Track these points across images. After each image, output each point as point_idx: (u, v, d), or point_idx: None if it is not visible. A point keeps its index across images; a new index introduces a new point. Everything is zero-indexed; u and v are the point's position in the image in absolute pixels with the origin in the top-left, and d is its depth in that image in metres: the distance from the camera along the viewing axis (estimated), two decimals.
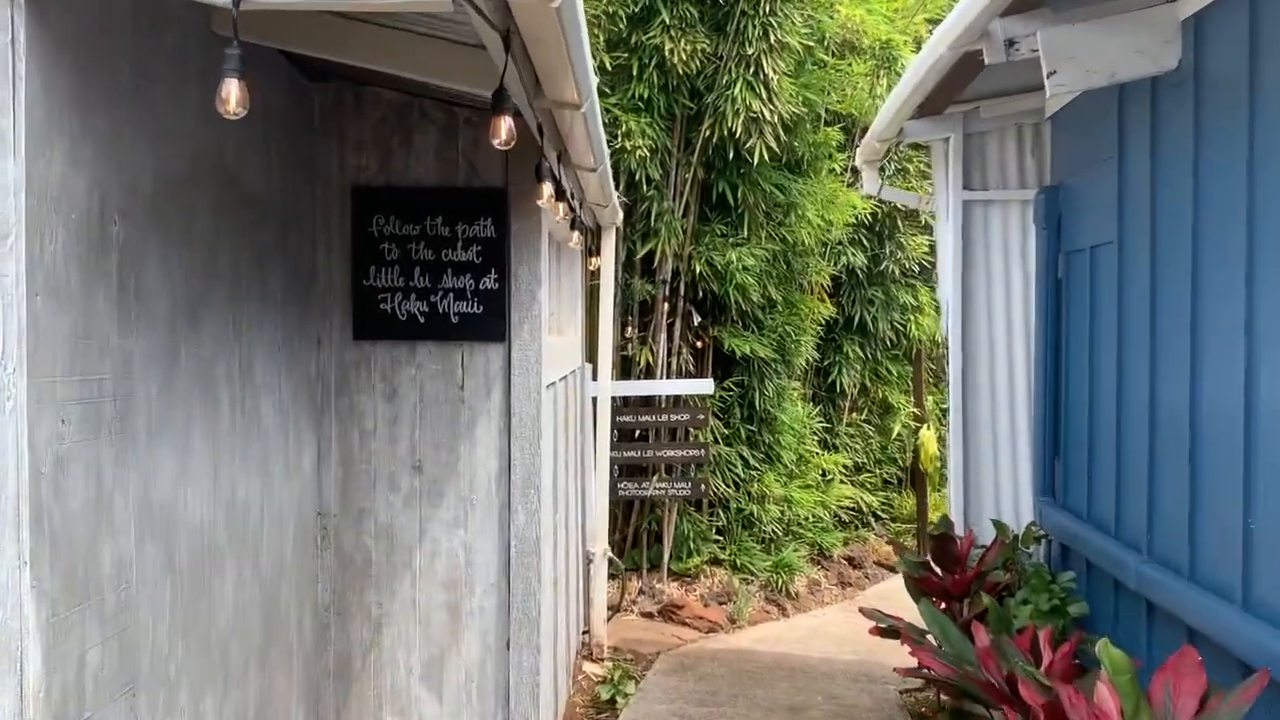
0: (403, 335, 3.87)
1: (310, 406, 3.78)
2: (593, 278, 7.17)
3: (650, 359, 7.56)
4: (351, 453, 3.89)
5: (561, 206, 3.80)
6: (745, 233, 7.61)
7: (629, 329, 7.59)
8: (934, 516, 10.16)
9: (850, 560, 9.13)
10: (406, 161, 3.88)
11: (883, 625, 5.45)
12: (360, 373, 3.89)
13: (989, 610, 4.70)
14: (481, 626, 3.88)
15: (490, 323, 3.85)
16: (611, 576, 7.71)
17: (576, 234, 4.59)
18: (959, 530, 5.71)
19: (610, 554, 6.38)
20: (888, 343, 9.78)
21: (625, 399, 7.72)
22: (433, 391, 3.87)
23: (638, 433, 7.69)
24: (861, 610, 5.59)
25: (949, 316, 5.73)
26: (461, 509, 3.87)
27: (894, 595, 8.73)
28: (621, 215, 6.27)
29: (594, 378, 6.74)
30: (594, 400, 6.59)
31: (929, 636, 4.87)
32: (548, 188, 3.14)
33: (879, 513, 9.88)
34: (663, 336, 7.61)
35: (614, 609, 7.11)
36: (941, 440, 10.36)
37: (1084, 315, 4.69)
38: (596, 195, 4.87)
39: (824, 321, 8.98)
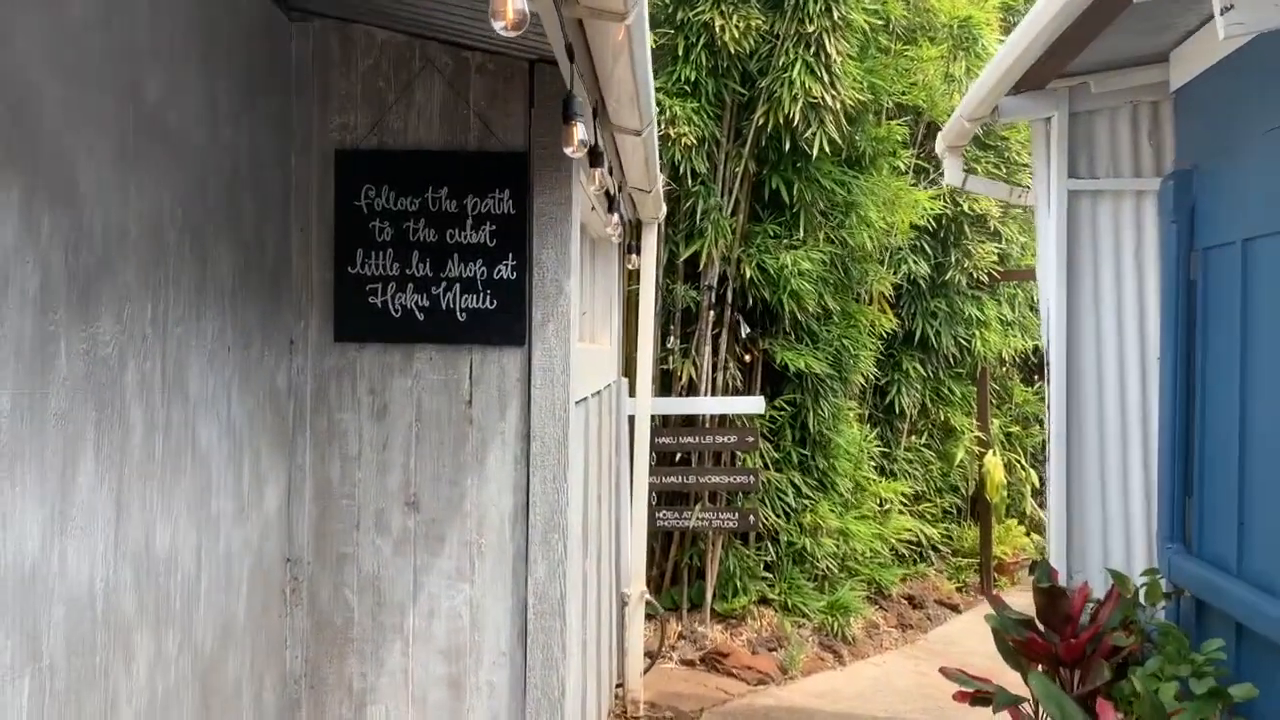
0: (396, 336, 3.04)
1: (277, 427, 2.96)
2: (630, 282, 6.34)
3: (693, 374, 6.71)
4: (330, 485, 3.06)
5: (598, 174, 2.96)
6: (801, 234, 6.74)
7: (670, 340, 6.73)
8: (998, 550, 9.20)
9: (910, 599, 8.18)
10: (405, 119, 3.06)
11: (968, 689, 4.52)
12: (342, 384, 3.06)
13: (1115, 685, 3.81)
14: (490, 707, 3.02)
15: (506, 321, 3.01)
16: (649, 617, 6.83)
17: (615, 219, 3.74)
18: (1061, 579, 4.78)
19: (648, 595, 5.51)
20: (950, 360, 8.85)
21: (665, 418, 6.85)
22: (433, 408, 3.04)
23: (679, 456, 6.82)
24: (943, 671, 4.67)
25: (1050, 328, 4.82)
26: (467, 557, 3.03)
27: (960, 639, 7.80)
28: (665, 209, 5.44)
29: (631, 393, 5.90)
30: (630, 419, 5.74)
31: (1042, 714, 3.96)
32: (579, 130, 2.31)
33: (938, 545, 8.93)
34: (707, 349, 6.75)
35: (651, 656, 6.23)
36: (1008, 467, 9.40)
37: (1231, 323, 3.78)
38: (639, 175, 4.03)
39: (883, 336, 8.08)
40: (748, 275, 6.60)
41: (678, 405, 6.67)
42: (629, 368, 5.76)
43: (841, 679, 6.57)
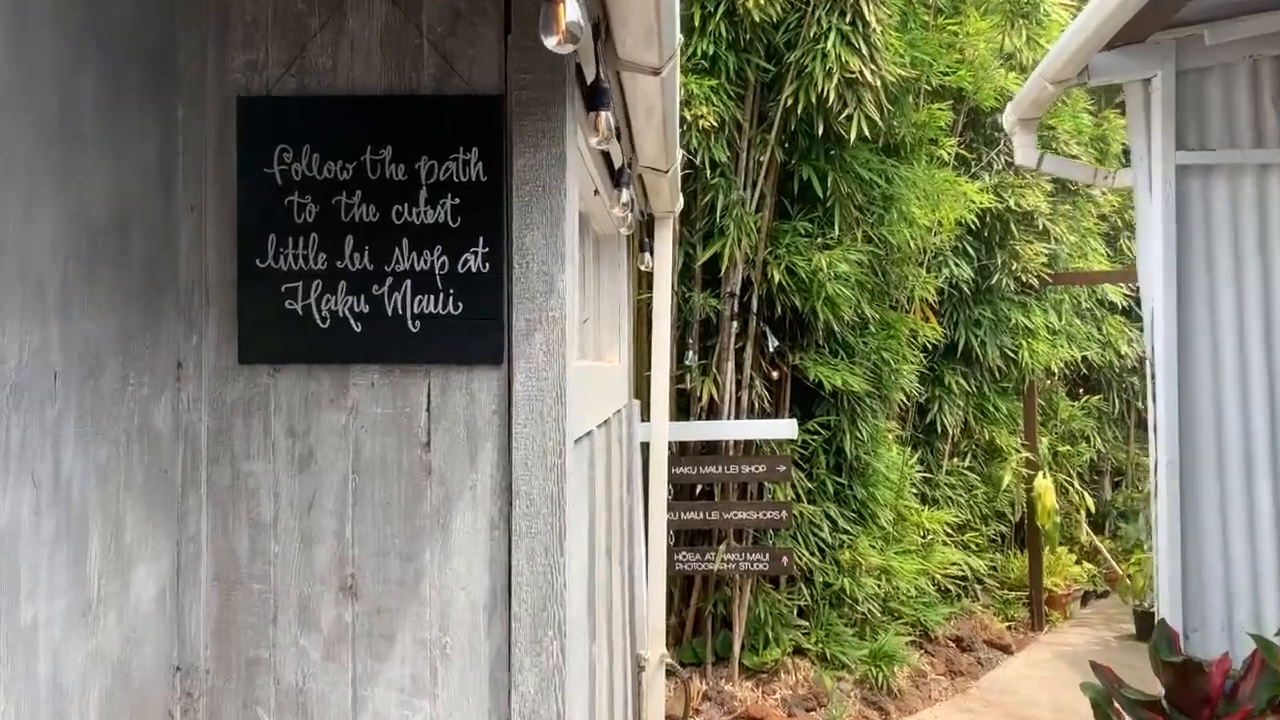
0: (325, 355, 2.16)
1: (154, 484, 2.08)
2: (640, 289, 5.46)
3: (714, 393, 5.82)
4: (236, 563, 2.18)
5: (601, 121, 2.09)
6: (836, 232, 5.86)
7: (687, 355, 5.84)
8: (1049, 581, 8.26)
9: (957, 641, 7.25)
10: (333, 53, 2.19)
11: None
12: (251, 423, 2.18)
13: None
14: None
15: (476, 332, 2.13)
16: (668, 674, 5.91)
17: (624, 197, 2.85)
18: (1179, 642, 3.88)
19: (669, 658, 4.61)
20: (995, 373, 7.94)
21: (682, 445, 5.95)
22: (376, 454, 2.16)
23: (699, 489, 5.92)
24: None
25: (1156, 333, 3.92)
26: (425, 663, 2.14)
27: (1016, 686, 6.87)
28: (681, 202, 4.57)
29: (644, 417, 5.02)
30: (644, 447, 4.87)
31: None
32: (570, 8, 1.43)
33: (983, 578, 8.00)
34: (729, 365, 5.86)
35: (674, 717, 5.32)
36: (1059, 490, 8.47)
37: None
38: (654, 140, 3.15)
39: (924, 347, 7.18)
40: (775, 280, 5.72)
41: (698, 430, 5.78)
42: (640, 388, 4.88)
43: None
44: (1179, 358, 3.88)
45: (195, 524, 2.18)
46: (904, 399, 6.98)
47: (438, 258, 2.16)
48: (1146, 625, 7.72)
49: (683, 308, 5.84)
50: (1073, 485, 8.49)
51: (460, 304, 2.15)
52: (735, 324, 5.81)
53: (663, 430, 4.59)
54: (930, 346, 7.23)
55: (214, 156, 2.21)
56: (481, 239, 2.15)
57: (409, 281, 2.16)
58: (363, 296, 2.16)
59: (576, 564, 2.41)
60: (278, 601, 2.18)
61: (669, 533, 5.76)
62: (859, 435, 6.38)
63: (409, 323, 2.16)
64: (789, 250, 5.76)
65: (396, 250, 2.16)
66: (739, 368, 5.92)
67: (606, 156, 3.08)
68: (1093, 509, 8.35)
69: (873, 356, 6.46)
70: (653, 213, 4.56)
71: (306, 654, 2.17)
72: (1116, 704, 3.73)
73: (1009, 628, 7.73)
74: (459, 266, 2.15)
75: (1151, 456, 4.01)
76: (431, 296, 2.15)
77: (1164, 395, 3.89)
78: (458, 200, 2.15)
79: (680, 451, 5.95)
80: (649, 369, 4.64)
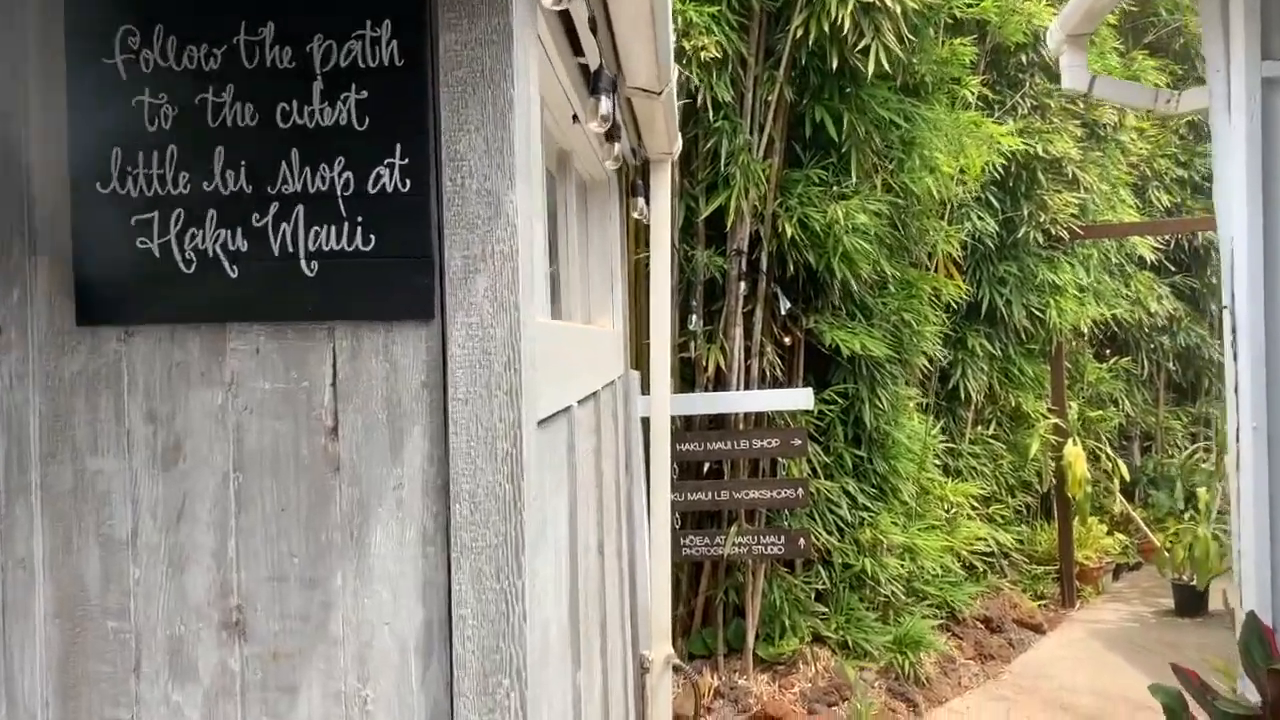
0: (192, 311, 1.58)
1: None
2: (637, 247, 4.85)
3: (721, 361, 5.22)
4: (83, 593, 1.61)
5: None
6: (853, 179, 5.23)
7: (690, 319, 5.24)
8: (1080, 555, 7.68)
9: (986, 622, 6.68)
10: None
11: None
12: (97, 404, 1.60)
13: None
14: None
15: (395, 275, 1.54)
16: (677, 668, 5.35)
17: (602, 107, 2.23)
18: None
19: (676, 660, 4.04)
20: (1021, 334, 7.32)
21: (687, 419, 5.36)
22: (265, 444, 1.58)
23: (707, 467, 5.34)
24: None
25: (1237, 275, 3.30)
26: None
27: (1051, 669, 6.31)
28: (680, 143, 3.95)
29: (644, 389, 4.43)
30: (643, 422, 4.29)
31: None
32: None
33: (1010, 552, 7.42)
34: (737, 330, 5.26)
35: (685, 717, 4.77)
36: (1092, 457, 7.87)
37: None
38: (643, 57, 2.53)
39: (947, 307, 6.57)
40: (787, 235, 5.10)
41: (704, 403, 5.18)
42: (639, 357, 4.29)
43: None
44: (1265, 306, 3.27)
45: (26, 543, 1.60)
46: (926, 364, 6.37)
47: (340, 174, 1.56)
48: (1186, 600, 7.15)
49: (685, 267, 5.23)
50: (1104, 452, 7.89)
51: (372, 237, 1.55)
52: (743, 285, 5.20)
53: (664, 403, 4.00)
54: (953, 306, 6.62)
55: (35, 45, 1.60)
56: (399, 147, 1.54)
57: (301, 208, 1.56)
58: (240, 230, 1.57)
59: (545, 580, 1.83)
60: (141, 644, 1.60)
61: (674, 516, 5.19)
62: (879, 404, 5.78)
63: (303, 264, 1.56)
64: (801, 201, 5.14)
65: (284, 165, 1.56)
66: (748, 333, 5.31)
67: (585, 71, 2.47)
68: (1126, 476, 7.76)
69: (893, 318, 5.85)
70: (648, 156, 3.95)
71: (181, 713, 1.59)
72: (1197, 714, 3.15)
73: (1040, 605, 7.16)
74: (369, 185, 1.55)
75: (1232, 422, 3.40)
76: (333, 228, 1.56)
77: (1248, 350, 3.28)
78: (365, 94, 1.55)
79: (685, 426, 5.37)
80: (648, 336, 4.04)
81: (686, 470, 5.34)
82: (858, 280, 5.41)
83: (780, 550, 5.14)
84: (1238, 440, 3.35)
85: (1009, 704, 5.61)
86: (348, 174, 1.55)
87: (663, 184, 3.97)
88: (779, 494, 5.16)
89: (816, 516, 5.61)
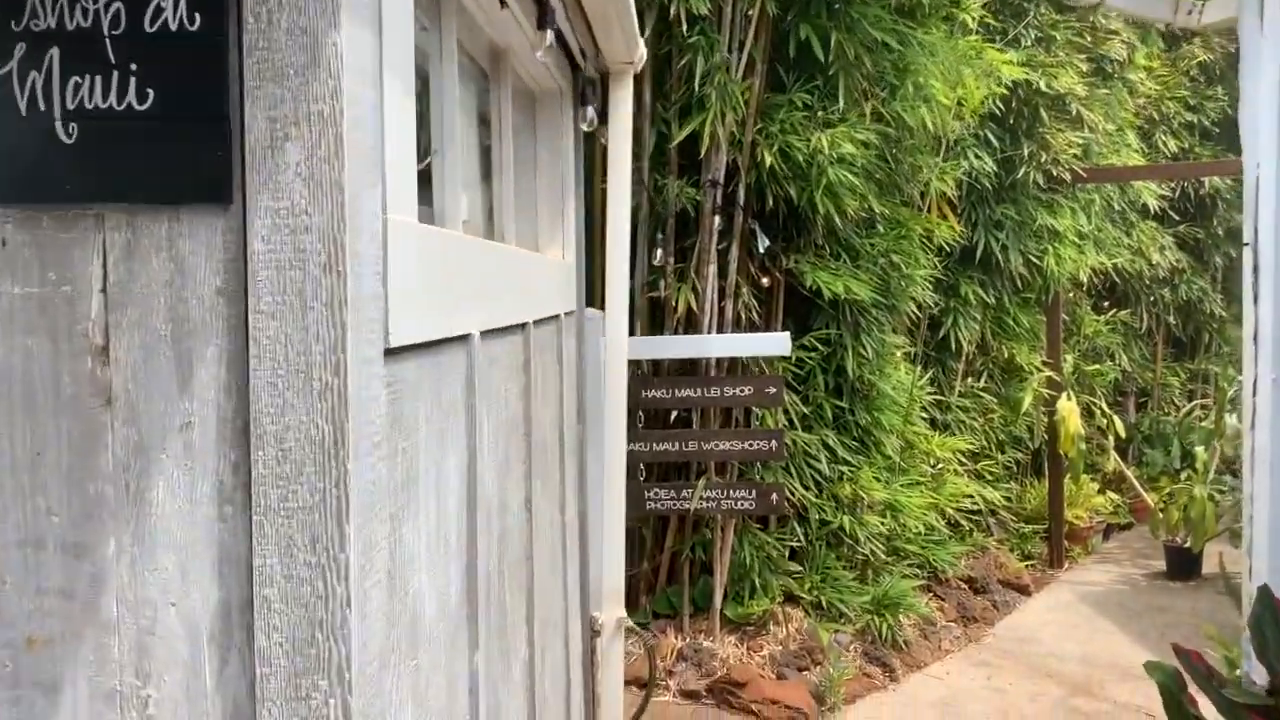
0: None
1: None
2: (600, 176, 4.42)
3: (693, 302, 4.82)
4: None
5: None
6: (840, 106, 4.79)
7: (656, 251, 4.82)
8: (1070, 514, 7.37)
9: (970, 582, 6.37)
10: None
11: None
12: None
13: None
14: None
15: (181, 144, 1.15)
16: (641, 625, 5.03)
17: None
18: None
19: (630, 622, 3.69)
20: (1017, 282, 6.93)
21: (655, 364, 4.98)
22: (13, 364, 1.19)
23: (674, 415, 4.97)
24: None
25: (1261, 206, 2.91)
26: None
27: (1037, 634, 6.01)
28: (644, 52, 3.50)
29: (603, 332, 4.03)
30: (604, 365, 3.90)
31: None
32: None
33: (997, 510, 7.10)
34: (711, 269, 4.85)
35: (639, 687, 4.45)
36: (1089, 413, 7.52)
37: None
38: None
39: (939, 250, 6.16)
40: (766, 164, 4.67)
41: (671, 346, 4.80)
42: (594, 293, 3.89)
43: (895, 708, 4.78)
44: None
45: None
46: (915, 310, 5.98)
47: (107, 3, 1.15)
48: (1179, 563, 6.85)
49: (655, 200, 4.81)
50: (1099, 407, 7.54)
51: (150, 91, 1.15)
52: (718, 219, 4.78)
53: (620, 345, 3.60)
54: (945, 249, 6.21)
55: None
56: None
57: (56, 50, 1.15)
58: None
59: (413, 550, 1.45)
60: None
61: (639, 467, 4.83)
62: (863, 352, 5.40)
63: (59, 127, 1.16)
64: (783, 128, 4.70)
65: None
66: (722, 272, 4.91)
67: None
68: (1122, 434, 7.41)
69: (880, 260, 5.45)
70: (607, 66, 3.51)
71: None
72: (1198, 695, 2.81)
73: (1027, 566, 6.86)
74: (145, 20, 1.15)
75: (1248, 374, 3.02)
76: (98, 78, 1.15)
77: (1270, 292, 2.89)
78: None
79: (653, 372, 4.99)
80: (606, 270, 3.63)
81: (653, 418, 4.97)
82: (843, 217, 5.00)
83: (751, 505, 4.79)
84: (1254, 394, 2.97)
85: (991, 670, 5.32)
86: (118, 4, 1.14)
87: (623, 99, 3.53)
88: (752, 446, 4.80)
89: (793, 470, 5.25)
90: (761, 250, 4.89)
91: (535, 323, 2.63)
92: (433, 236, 1.58)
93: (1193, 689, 2.95)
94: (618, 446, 3.60)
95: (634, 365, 4.98)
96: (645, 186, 4.73)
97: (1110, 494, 7.75)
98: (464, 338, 1.81)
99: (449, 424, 1.72)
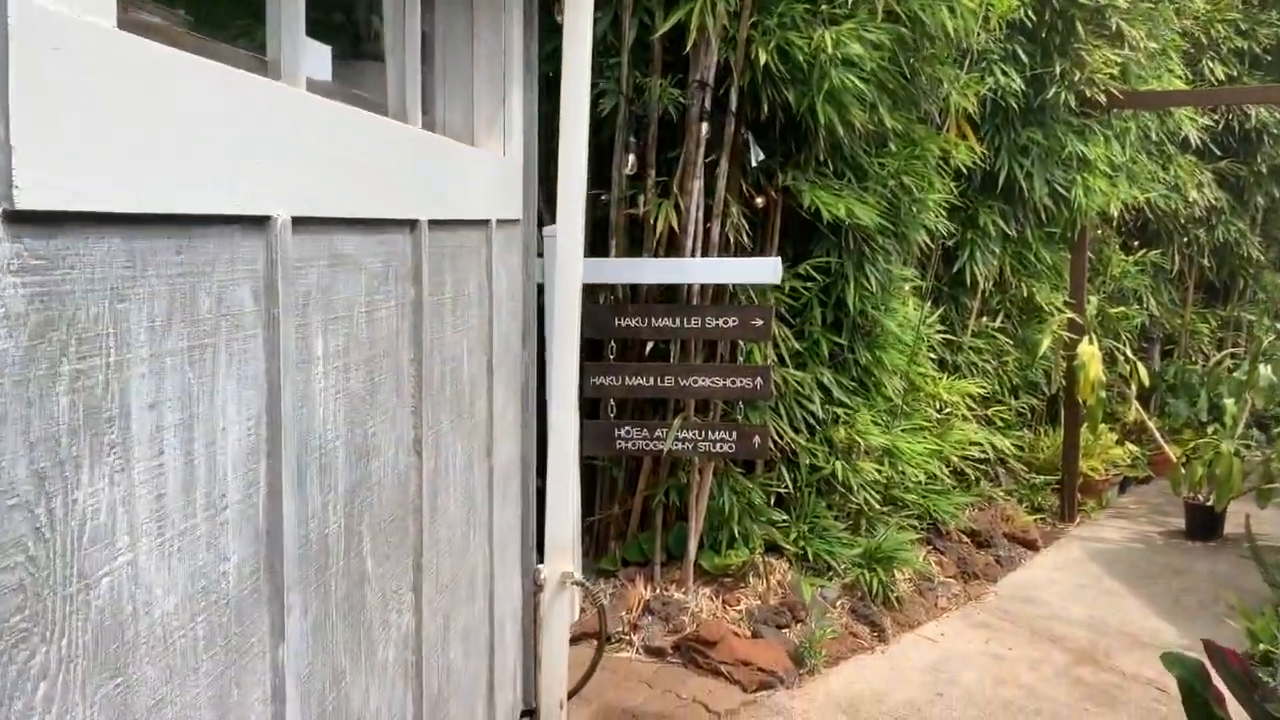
0: None
1: None
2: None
3: (675, 221, 4.27)
4: None
5: None
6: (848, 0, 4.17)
7: (628, 158, 4.25)
8: (1085, 465, 6.84)
9: (973, 536, 5.88)
10: None
11: None
12: None
13: None
14: None
15: None
16: (608, 573, 4.59)
17: None
18: None
19: (577, 576, 3.22)
20: (1042, 214, 6.31)
21: (631, 290, 4.46)
22: None
23: (650, 347, 4.46)
24: None
25: None
26: None
27: (1042, 593, 5.52)
28: None
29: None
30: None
31: None
32: None
33: (1007, 459, 6.59)
34: (697, 184, 4.29)
35: (597, 640, 4.02)
36: (1111, 359, 6.95)
37: None
38: None
39: (958, 174, 5.55)
40: (762, 64, 4.07)
41: (646, 270, 4.26)
42: (549, 202, 3.35)
43: (882, 672, 4.33)
44: None
45: None
46: (926, 241, 5.40)
47: None
48: (1200, 522, 6.33)
49: (633, 103, 4.23)
50: (1122, 353, 6.96)
51: None
52: (705, 126, 4.20)
53: (571, 265, 3.07)
54: (964, 174, 5.60)
55: None
56: None
57: None
58: None
59: (140, 512, 0.95)
60: None
61: (609, 404, 4.34)
62: (866, 284, 4.85)
63: None
64: (782, 23, 4.09)
65: None
66: (709, 189, 4.34)
67: None
68: (1146, 382, 6.85)
69: (890, 182, 4.86)
70: None
71: None
72: (1222, 688, 2.31)
73: (1036, 520, 6.36)
74: None
75: None
76: None
77: None
78: None
79: (630, 298, 4.46)
80: (557, 175, 3.07)
81: (627, 350, 4.47)
82: (849, 131, 4.41)
83: (731, 449, 4.30)
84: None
85: (990, 632, 4.86)
86: None
87: None
88: (735, 383, 4.29)
89: (782, 411, 4.75)
90: (754, 164, 4.32)
91: (437, 223, 2.10)
92: (160, 59, 1.05)
93: (1217, 682, 2.46)
94: (567, 380, 3.10)
95: (608, 291, 4.46)
96: (623, 86, 4.15)
97: (1129, 445, 7.21)
98: (259, 221, 1.29)
99: (222, 340, 1.21)
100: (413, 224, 1.95)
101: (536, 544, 3.24)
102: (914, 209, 4.94)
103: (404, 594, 1.97)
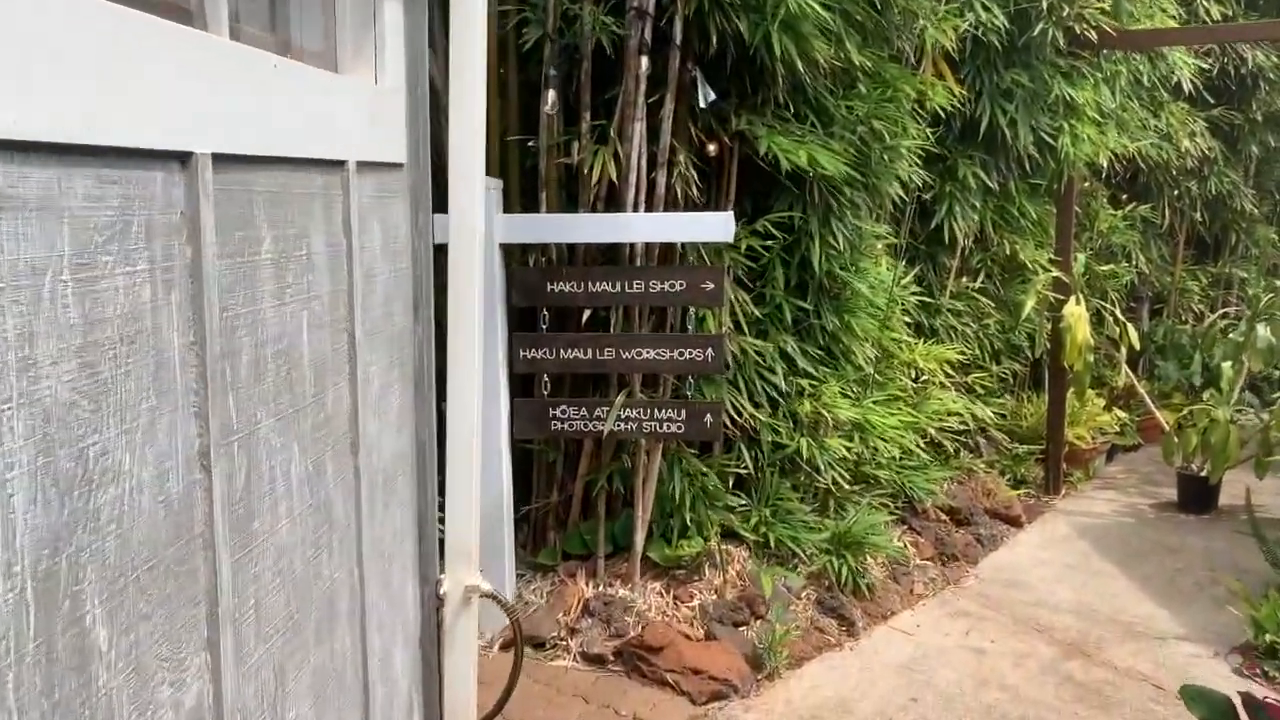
0: None
1: None
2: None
3: (615, 171, 3.72)
4: None
5: None
6: None
7: (547, 95, 3.69)
8: (1072, 433, 6.38)
9: (951, 513, 5.42)
10: None
11: None
12: None
13: None
14: None
15: None
16: (546, 568, 4.09)
17: None
18: None
19: (486, 587, 2.71)
20: (1026, 165, 5.79)
21: (568, 250, 3.92)
22: None
23: (587, 315, 3.92)
24: None
25: None
26: None
27: (1026, 576, 5.05)
28: None
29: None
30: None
31: None
32: None
33: (988, 428, 6.12)
34: (638, 128, 3.73)
35: (534, 648, 3.52)
36: (1098, 320, 6.48)
37: None
38: None
39: (933, 118, 5.01)
40: None
41: (578, 227, 3.71)
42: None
43: (850, 673, 3.86)
44: None
45: None
46: (900, 193, 4.87)
47: None
48: (1193, 493, 5.89)
49: (564, 34, 3.67)
50: (1111, 314, 6.48)
51: None
52: (645, 61, 3.63)
53: (469, 221, 2.52)
54: (942, 117, 5.06)
55: None
56: None
57: None
58: None
59: None
60: None
61: (541, 380, 3.82)
62: (833, 242, 4.32)
63: None
64: None
65: None
66: (653, 135, 3.78)
67: None
68: (1136, 344, 6.37)
69: (859, 128, 4.32)
70: None
71: None
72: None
73: (1019, 491, 5.91)
74: None
75: None
76: None
77: None
78: None
79: (565, 259, 3.92)
80: (464, 111, 2.52)
81: (562, 319, 3.94)
82: (811, 68, 3.86)
83: (681, 428, 3.79)
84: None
85: (970, 622, 4.40)
86: None
87: None
88: (684, 355, 3.77)
89: (741, 384, 4.24)
90: (704, 105, 3.76)
91: (235, 160, 1.56)
92: None
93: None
94: (466, 357, 2.57)
95: (539, 252, 3.91)
96: (550, 14, 3.57)
97: (1117, 411, 6.75)
98: None
99: None
100: (183, 157, 1.41)
101: (441, 549, 2.73)
102: (886, 157, 4.40)
103: (187, 659, 1.45)
